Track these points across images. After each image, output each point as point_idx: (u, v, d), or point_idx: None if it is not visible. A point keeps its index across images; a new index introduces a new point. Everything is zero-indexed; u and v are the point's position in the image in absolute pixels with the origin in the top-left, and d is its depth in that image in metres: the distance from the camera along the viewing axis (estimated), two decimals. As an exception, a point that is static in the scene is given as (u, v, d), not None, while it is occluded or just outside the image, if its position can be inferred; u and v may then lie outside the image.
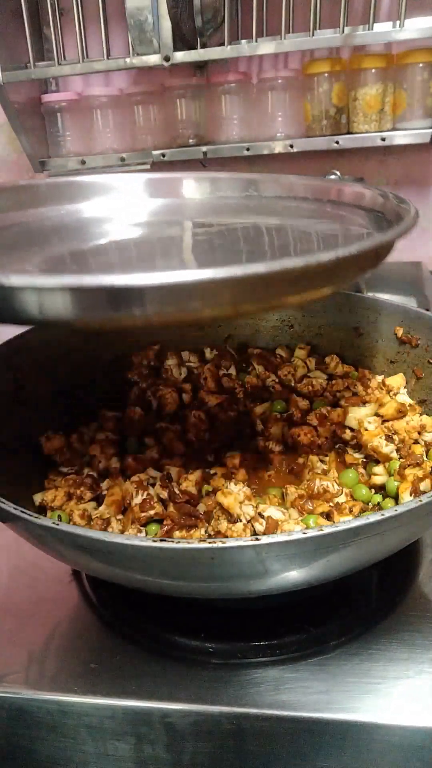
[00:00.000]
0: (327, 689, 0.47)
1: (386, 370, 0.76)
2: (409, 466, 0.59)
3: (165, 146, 1.33)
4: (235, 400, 0.75)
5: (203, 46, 1.32)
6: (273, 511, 0.54)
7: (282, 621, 0.53)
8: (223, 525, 0.52)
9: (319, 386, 0.76)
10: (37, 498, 0.61)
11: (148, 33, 1.29)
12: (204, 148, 1.28)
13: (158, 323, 0.37)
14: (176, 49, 1.32)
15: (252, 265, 0.34)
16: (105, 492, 0.60)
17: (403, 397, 0.69)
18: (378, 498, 0.60)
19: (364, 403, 0.70)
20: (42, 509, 0.61)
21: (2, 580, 0.60)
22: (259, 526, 0.52)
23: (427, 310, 0.79)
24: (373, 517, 0.41)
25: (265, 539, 0.39)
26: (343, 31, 1.25)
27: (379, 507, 0.59)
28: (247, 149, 1.30)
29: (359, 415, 0.66)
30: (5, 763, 0.51)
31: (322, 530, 0.40)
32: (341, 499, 0.59)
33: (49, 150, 1.38)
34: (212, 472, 0.62)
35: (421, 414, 0.66)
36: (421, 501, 0.43)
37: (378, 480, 0.62)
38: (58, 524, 0.43)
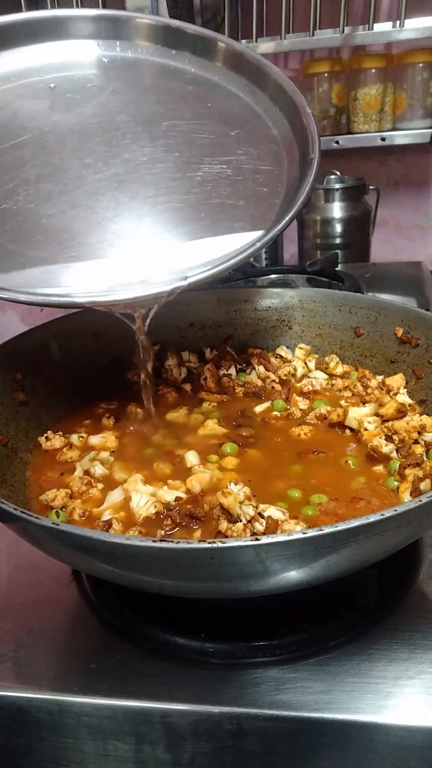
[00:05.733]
0: (327, 689, 0.47)
1: (386, 370, 0.76)
2: (409, 466, 0.59)
3: (165, 146, 1.32)
4: (235, 400, 0.75)
5: (203, 46, 1.32)
6: (273, 511, 0.54)
7: (282, 621, 0.53)
8: (223, 525, 0.52)
9: (319, 386, 0.76)
10: (42, 498, 0.61)
11: (148, 33, 1.28)
12: (204, 148, 1.28)
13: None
14: (176, 49, 1.31)
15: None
16: (105, 492, 0.60)
17: (403, 397, 0.69)
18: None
19: (364, 403, 0.70)
20: (47, 509, 0.61)
21: (2, 580, 0.60)
22: (259, 526, 0.52)
23: (427, 310, 0.79)
24: (373, 517, 0.41)
25: (265, 539, 0.39)
26: (343, 31, 1.25)
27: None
28: (247, 149, 1.29)
29: (359, 415, 0.66)
30: (5, 763, 0.51)
31: (322, 530, 0.40)
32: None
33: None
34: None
35: (421, 414, 0.66)
36: (421, 501, 0.43)
37: (378, 480, 0.62)
38: (58, 524, 0.43)
